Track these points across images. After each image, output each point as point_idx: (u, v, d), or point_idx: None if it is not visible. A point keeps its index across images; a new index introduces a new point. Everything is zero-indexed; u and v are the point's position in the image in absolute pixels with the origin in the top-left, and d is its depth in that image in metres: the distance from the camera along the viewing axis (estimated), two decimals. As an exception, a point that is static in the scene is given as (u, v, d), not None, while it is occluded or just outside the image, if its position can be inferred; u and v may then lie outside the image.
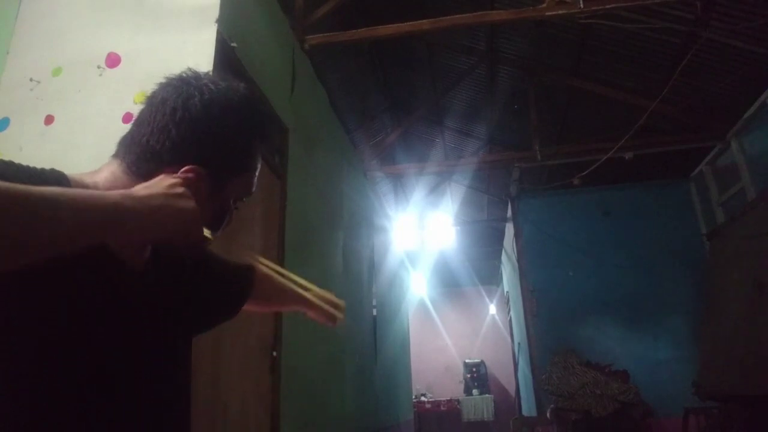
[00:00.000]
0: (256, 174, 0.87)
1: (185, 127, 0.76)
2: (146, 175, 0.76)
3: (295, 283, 1.10)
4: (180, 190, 0.67)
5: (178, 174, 0.71)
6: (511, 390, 10.37)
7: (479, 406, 10.58)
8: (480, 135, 7.42)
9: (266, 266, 1.08)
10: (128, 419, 0.73)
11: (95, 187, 0.74)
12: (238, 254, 1.08)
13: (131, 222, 0.62)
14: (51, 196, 0.55)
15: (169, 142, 0.76)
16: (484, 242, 10.27)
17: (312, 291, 1.11)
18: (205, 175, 0.76)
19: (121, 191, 0.64)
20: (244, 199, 0.87)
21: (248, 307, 1.11)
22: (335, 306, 1.12)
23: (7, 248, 0.52)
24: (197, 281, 0.94)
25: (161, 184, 0.67)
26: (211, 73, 0.85)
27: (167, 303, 0.83)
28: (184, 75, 0.81)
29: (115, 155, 0.79)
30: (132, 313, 0.75)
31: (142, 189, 0.66)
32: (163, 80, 0.81)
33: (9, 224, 0.51)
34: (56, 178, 0.70)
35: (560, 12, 3.74)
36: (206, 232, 0.73)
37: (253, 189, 0.87)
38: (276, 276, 1.10)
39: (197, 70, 0.83)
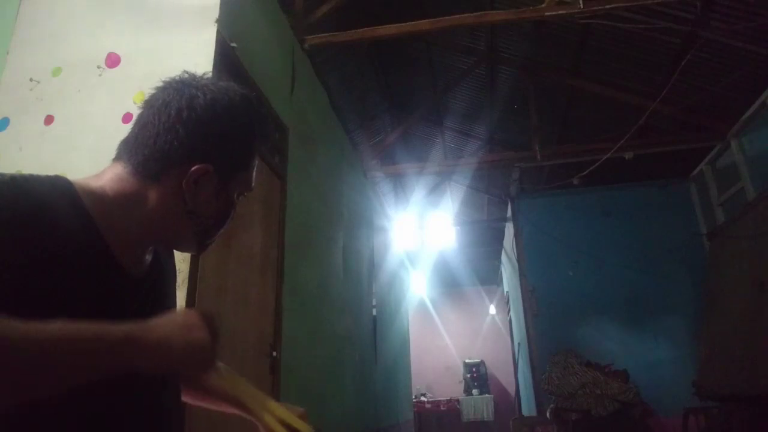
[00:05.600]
0: (255, 169, 0.89)
1: (192, 127, 0.78)
2: (154, 176, 0.77)
3: (257, 398, 0.91)
4: (194, 320, 0.68)
5: (192, 313, 0.70)
6: (511, 390, 10.37)
7: (479, 406, 10.58)
8: (480, 135, 7.41)
9: (230, 376, 0.94)
10: (127, 422, 0.73)
11: (101, 190, 0.75)
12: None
13: (146, 354, 0.63)
14: (61, 335, 0.56)
15: (176, 141, 0.77)
16: (484, 242, 10.26)
17: (272, 409, 0.89)
18: (212, 172, 0.78)
19: (134, 324, 0.63)
20: (245, 194, 0.89)
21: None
22: None
23: (14, 390, 0.53)
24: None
25: (175, 316, 0.68)
26: (210, 74, 0.86)
27: (162, 307, 0.84)
28: (181, 77, 0.83)
29: (117, 158, 0.80)
30: (129, 317, 0.75)
31: (156, 321, 0.66)
32: (161, 83, 0.82)
33: (15, 369, 0.53)
34: (60, 184, 0.70)
35: (560, 12, 3.74)
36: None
37: (253, 184, 0.89)
38: (230, 382, 0.96)
39: (193, 72, 0.84)
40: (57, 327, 0.56)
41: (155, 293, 0.82)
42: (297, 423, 0.87)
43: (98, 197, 0.73)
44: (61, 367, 0.56)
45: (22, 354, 0.53)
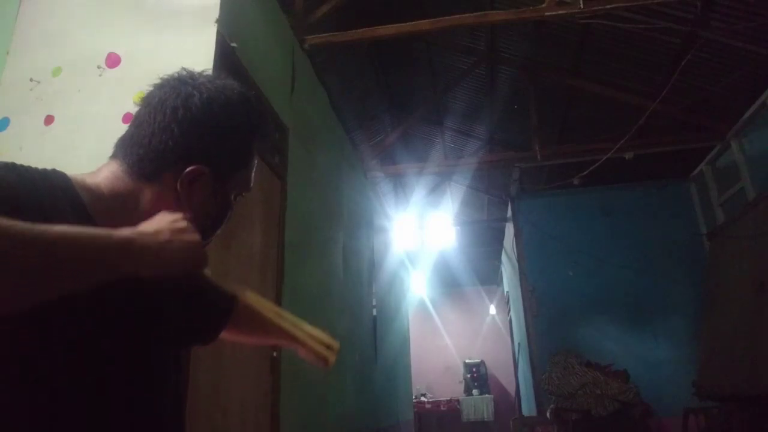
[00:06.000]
0: (254, 169, 0.88)
1: (187, 126, 0.77)
2: (149, 175, 0.76)
3: (288, 320, 1.06)
4: (183, 224, 0.69)
5: (179, 216, 0.71)
6: (511, 390, 10.37)
7: (479, 406, 10.58)
8: (480, 135, 7.41)
9: (258, 302, 1.05)
10: (126, 418, 0.73)
11: (97, 187, 0.74)
12: (231, 286, 1.06)
13: (143, 257, 0.64)
14: (65, 236, 0.56)
15: (171, 141, 0.76)
16: (484, 242, 10.26)
17: (305, 330, 1.07)
18: (208, 172, 0.77)
19: (130, 229, 0.65)
20: (243, 195, 0.88)
21: (229, 335, 1.08)
22: (328, 347, 1.06)
23: (17, 291, 0.53)
24: (186, 290, 0.93)
25: (164, 220, 0.69)
26: (205, 73, 0.85)
27: (163, 303, 0.83)
28: (179, 75, 0.82)
29: (114, 156, 0.80)
30: (129, 311, 0.75)
31: (148, 226, 0.67)
32: (158, 81, 0.82)
33: (19, 268, 0.52)
34: (59, 179, 0.70)
35: (560, 12, 3.74)
36: (213, 275, 0.76)
37: (251, 185, 0.88)
38: (264, 309, 1.06)
39: (191, 69, 0.84)
40: (57, 229, 0.56)
41: (154, 287, 0.81)
42: (330, 341, 1.06)
43: (95, 194, 0.73)
44: (61, 267, 0.56)
45: (17, 253, 0.52)
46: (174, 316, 0.88)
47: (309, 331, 1.06)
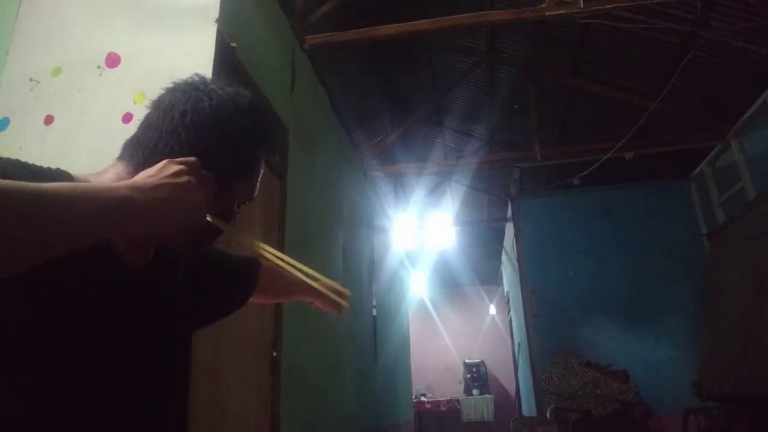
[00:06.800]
0: (259, 179, 0.88)
1: (195, 131, 0.77)
2: None
3: (299, 270, 1.09)
4: (185, 178, 0.67)
5: (181, 159, 0.70)
6: (511, 390, 10.37)
7: (479, 406, 10.57)
8: (480, 135, 7.41)
9: (269, 253, 1.06)
10: (126, 418, 0.73)
11: None
12: (241, 241, 1.06)
13: (140, 215, 0.61)
14: (60, 192, 0.54)
15: (178, 145, 0.77)
16: (484, 242, 10.26)
17: (319, 281, 1.09)
18: (211, 178, 0.77)
19: (128, 183, 0.63)
20: (246, 204, 0.88)
21: (254, 300, 1.11)
22: (340, 295, 1.08)
23: (17, 248, 0.51)
24: (201, 276, 0.94)
25: (165, 171, 0.66)
26: (212, 76, 0.85)
27: (167, 300, 0.83)
28: (191, 80, 0.82)
29: (120, 157, 0.80)
30: (131, 310, 0.75)
31: (147, 178, 0.64)
32: (170, 85, 0.82)
33: (18, 223, 0.50)
34: (62, 176, 0.70)
35: (560, 12, 3.74)
36: (219, 223, 0.75)
37: (256, 194, 0.88)
38: (281, 266, 1.08)
39: (203, 75, 0.84)
40: (50, 185, 0.54)
41: (158, 284, 0.82)
42: (341, 288, 1.05)
43: None
44: (57, 224, 0.54)
45: (14, 209, 0.50)
46: (195, 300, 0.89)
47: (322, 280, 1.06)
